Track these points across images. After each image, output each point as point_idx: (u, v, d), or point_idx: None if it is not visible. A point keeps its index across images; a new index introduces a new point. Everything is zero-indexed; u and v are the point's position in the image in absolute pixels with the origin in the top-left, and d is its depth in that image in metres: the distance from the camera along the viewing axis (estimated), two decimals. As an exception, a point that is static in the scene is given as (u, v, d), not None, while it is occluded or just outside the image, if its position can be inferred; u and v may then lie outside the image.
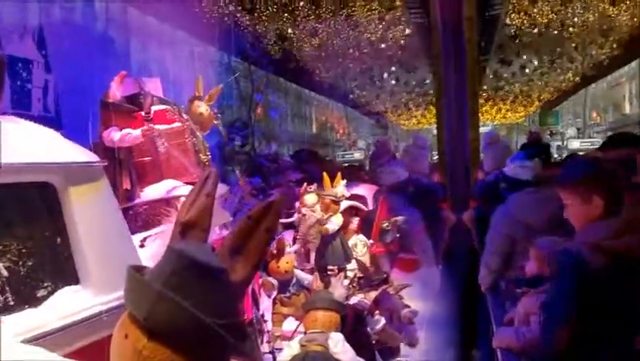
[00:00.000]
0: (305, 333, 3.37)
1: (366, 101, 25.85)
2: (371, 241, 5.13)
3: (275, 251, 4.68)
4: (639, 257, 2.20)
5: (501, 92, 25.12)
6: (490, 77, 22.54)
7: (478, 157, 8.28)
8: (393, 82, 22.79)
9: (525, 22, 15.88)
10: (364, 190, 7.54)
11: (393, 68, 21.40)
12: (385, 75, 21.96)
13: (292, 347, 3.29)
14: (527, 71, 21.64)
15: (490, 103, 26.63)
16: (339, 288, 3.64)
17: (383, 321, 4.36)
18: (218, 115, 5.56)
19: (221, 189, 4.69)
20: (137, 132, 4.64)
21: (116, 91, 4.73)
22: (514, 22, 16.00)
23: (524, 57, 20.30)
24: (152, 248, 3.57)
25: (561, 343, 2.39)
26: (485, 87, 23.21)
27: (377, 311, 4.36)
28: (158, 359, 1.01)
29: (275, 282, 4.45)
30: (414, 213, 5.50)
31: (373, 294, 4.50)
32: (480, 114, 15.17)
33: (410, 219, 5.32)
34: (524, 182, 4.77)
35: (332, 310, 3.33)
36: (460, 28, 8.24)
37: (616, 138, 4.93)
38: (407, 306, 4.69)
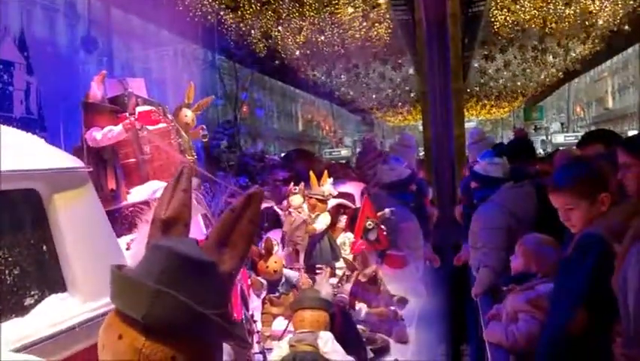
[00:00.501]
0: (294, 333, 3.36)
1: (351, 99, 25.89)
2: (353, 240, 5.13)
3: (263, 251, 4.66)
4: None
5: (485, 88, 25.30)
6: (475, 73, 22.68)
7: (464, 154, 8.33)
8: (379, 79, 22.85)
9: (507, 18, 16.00)
10: (352, 188, 7.55)
11: (377, 65, 21.44)
12: (370, 72, 22.00)
13: (282, 348, 3.29)
14: (511, 67, 21.80)
15: (474, 99, 26.81)
16: (325, 286, 3.62)
17: (365, 308, 4.39)
18: (206, 132, 5.58)
19: (195, 182, 4.67)
20: (119, 128, 4.57)
21: (97, 91, 4.67)
22: (496, 19, 16.12)
23: (507, 53, 20.43)
24: (143, 248, 3.55)
25: (576, 326, 2.40)
26: (469, 83, 23.34)
27: (356, 302, 4.39)
28: (159, 355, 1.02)
29: (264, 281, 4.43)
30: (405, 210, 5.52)
31: (348, 287, 4.52)
32: (465, 110, 15.27)
33: (401, 215, 5.33)
34: (494, 179, 4.81)
35: (320, 309, 3.31)
36: (444, 25, 8.28)
37: (593, 134, 5.00)
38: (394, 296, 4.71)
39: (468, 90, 23.34)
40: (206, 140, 5.78)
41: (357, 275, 4.59)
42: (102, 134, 4.54)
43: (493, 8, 15.61)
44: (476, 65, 21.71)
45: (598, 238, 2.39)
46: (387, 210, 5.01)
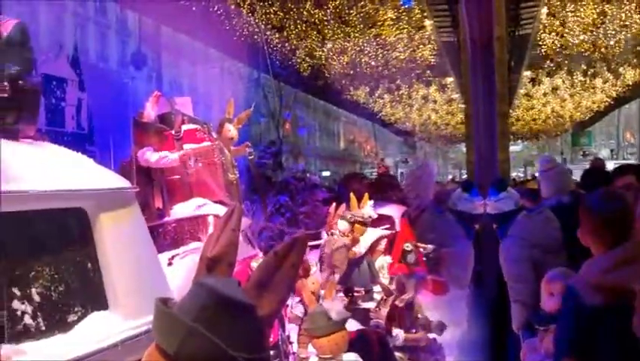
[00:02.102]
0: (318, 357, 3.32)
1: (394, 120, 25.81)
2: (390, 261, 5.08)
3: (301, 272, 4.64)
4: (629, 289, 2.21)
5: (532, 112, 24.84)
6: (521, 97, 22.29)
7: (508, 179, 8.18)
8: (422, 101, 22.73)
9: (556, 42, 15.71)
10: (392, 210, 7.48)
11: (421, 87, 21.35)
12: (414, 94, 21.92)
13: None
14: (559, 91, 21.38)
15: (521, 123, 26.33)
16: (334, 304, 3.54)
17: (402, 335, 4.32)
18: (251, 149, 5.68)
19: (245, 222, 4.73)
20: (175, 156, 4.72)
21: (151, 111, 4.82)
22: (544, 43, 15.84)
23: (555, 77, 20.07)
24: (185, 264, 3.63)
25: None
26: (516, 107, 22.95)
27: (392, 327, 4.33)
28: None
29: (301, 313, 4.39)
30: (461, 239, 5.45)
31: (384, 312, 4.47)
32: (511, 134, 15.05)
33: (455, 243, 5.27)
34: (508, 213, 4.74)
35: (335, 333, 3.26)
36: (490, 48, 8.18)
37: (624, 167, 4.89)
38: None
39: (514, 114, 22.95)
40: (252, 157, 5.88)
41: (394, 300, 4.53)
42: (157, 158, 4.67)
43: (541, 32, 15.35)
44: (523, 88, 21.36)
45: (575, 297, 2.39)
46: (430, 246, 4.96)
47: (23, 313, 2.01)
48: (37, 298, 2.05)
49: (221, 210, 4.63)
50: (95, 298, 2.28)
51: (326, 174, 27.22)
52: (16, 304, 1.99)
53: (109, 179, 2.48)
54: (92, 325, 2.21)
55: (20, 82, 2.34)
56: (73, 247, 2.25)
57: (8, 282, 1.96)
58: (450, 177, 28.70)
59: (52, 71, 9.93)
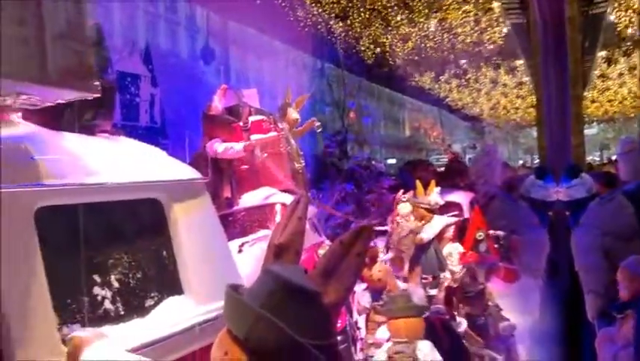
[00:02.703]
0: (392, 341, 3.34)
1: (462, 105, 25.26)
2: (462, 250, 5.02)
3: (367, 259, 4.66)
4: None
5: (607, 94, 23.70)
6: (596, 78, 21.25)
7: (583, 164, 7.87)
8: (490, 84, 22.10)
9: (633, 19, 14.89)
10: (460, 197, 7.37)
11: (489, 70, 20.76)
12: (481, 77, 21.34)
13: (381, 359, 3.29)
14: (636, 71, 20.24)
15: (595, 105, 25.17)
16: (417, 290, 3.56)
17: (465, 323, 4.29)
18: (319, 123, 5.79)
19: (311, 210, 4.80)
20: (239, 147, 4.86)
21: (219, 104, 4.98)
22: (620, 21, 15.04)
23: (633, 56, 19.01)
24: (254, 252, 3.75)
25: None
26: (590, 89, 21.91)
27: (456, 313, 4.30)
28: None
29: (368, 303, 4.42)
30: (533, 226, 5.32)
31: (441, 295, 4.44)
32: (585, 116, 14.36)
33: (528, 231, 5.17)
34: (580, 200, 4.57)
35: (414, 317, 3.27)
36: (562, 28, 7.87)
37: None
38: (506, 319, 4.57)
39: (588, 95, 21.92)
40: (320, 130, 6.02)
41: (450, 281, 4.50)
42: (223, 149, 4.83)
43: (617, 9, 14.57)
44: (597, 69, 20.34)
45: None
46: (500, 232, 4.88)
47: (103, 298, 2.12)
48: (116, 284, 2.17)
49: (288, 198, 4.72)
50: (170, 285, 2.39)
51: (391, 161, 27.03)
52: (96, 290, 2.11)
53: (181, 170, 2.59)
54: (168, 310, 2.31)
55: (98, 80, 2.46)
56: (149, 236, 2.36)
57: (89, 269, 2.07)
58: (521, 162, 27.85)
59: (127, 68, 10.32)
